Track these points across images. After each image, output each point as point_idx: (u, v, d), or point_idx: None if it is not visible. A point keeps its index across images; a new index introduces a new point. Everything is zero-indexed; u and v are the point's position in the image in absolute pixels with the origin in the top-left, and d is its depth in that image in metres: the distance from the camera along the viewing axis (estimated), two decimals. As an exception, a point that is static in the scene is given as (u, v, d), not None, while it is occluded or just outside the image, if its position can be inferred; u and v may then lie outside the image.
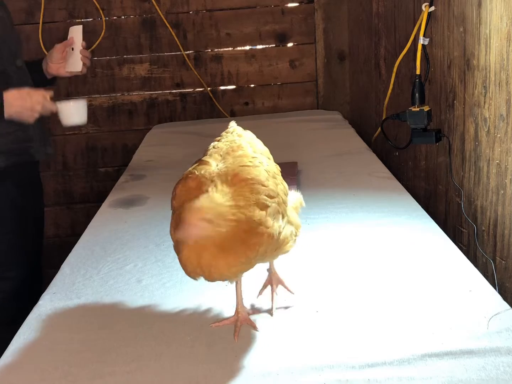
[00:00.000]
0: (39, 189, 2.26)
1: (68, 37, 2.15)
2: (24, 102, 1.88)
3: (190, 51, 3.12)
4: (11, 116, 1.87)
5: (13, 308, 1.94)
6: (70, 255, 1.61)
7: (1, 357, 1.15)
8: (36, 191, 2.24)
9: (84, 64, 2.12)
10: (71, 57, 2.12)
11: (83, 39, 2.14)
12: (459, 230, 1.73)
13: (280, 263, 1.45)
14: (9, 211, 2.04)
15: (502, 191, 1.45)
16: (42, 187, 2.29)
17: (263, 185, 1.10)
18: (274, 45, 3.14)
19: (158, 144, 2.74)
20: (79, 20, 3.05)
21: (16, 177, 2.05)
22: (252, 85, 3.19)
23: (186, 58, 3.11)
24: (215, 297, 1.31)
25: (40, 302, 1.35)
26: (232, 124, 1.33)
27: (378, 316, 1.18)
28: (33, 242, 2.19)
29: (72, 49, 2.13)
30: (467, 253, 1.58)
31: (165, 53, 3.12)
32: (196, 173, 1.12)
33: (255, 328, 1.17)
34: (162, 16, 3.05)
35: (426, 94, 1.84)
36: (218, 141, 1.25)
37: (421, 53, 1.82)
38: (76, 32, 2.15)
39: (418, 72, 1.82)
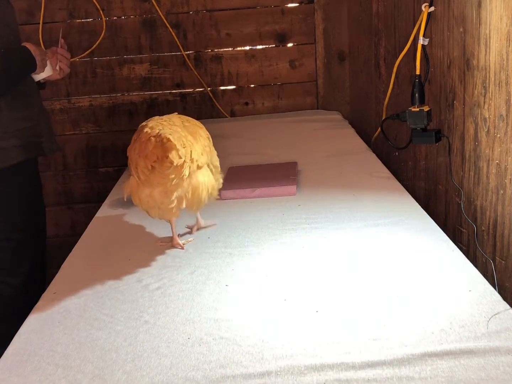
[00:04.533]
0: (40, 186, 2.29)
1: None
2: (40, 52, 2.03)
3: (190, 51, 3.12)
4: (39, 67, 2.02)
5: (24, 303, 1.97)
6: (70, 255, 1.62)
7: (1, 357, 1.15)
8: (39, 187, 2.26)
9: (61, 62, 2.16)
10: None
11: (62, 38, 2.20)
12: (459, 230, 1.73)
13: (281, 264, 1.45)
14: (22, 207, 2.07)
15: (502, 191, 1.46)
16: (41, 184, 2.32)
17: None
18: (274, 45, 3.14)
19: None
20: (79, 20, 3.05)
21: (28, 173, 2.09)
22: (252, 85, 3.19)
23: (186, 58, 3.11)
24: (215, 297, 1.31)
25: (40, 302, 1.36)
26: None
27: (377, 316, 1.18)
28: (40, 237, 2.22)
29: None
30: (467, 253, 1.58)
31: (165, 53, 3.12)
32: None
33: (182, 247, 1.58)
34: (162, 16, 3.05)
35: (426, 94, 1.84)
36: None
37: (421, 53, 1.82)
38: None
39: (418, 72, 1.82)
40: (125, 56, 3.11)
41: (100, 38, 3.04)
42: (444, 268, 1.36)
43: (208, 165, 1.57)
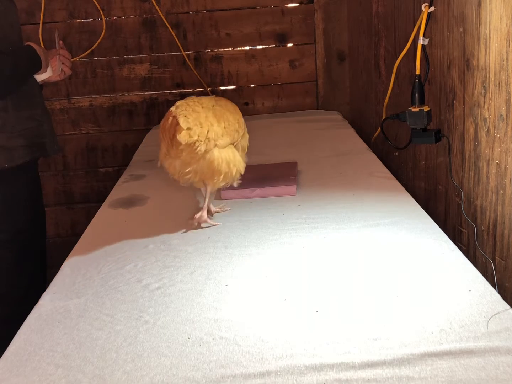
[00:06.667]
0: (40, 186, 2.29)
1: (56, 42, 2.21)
2: (44, 52, 2.02)
3: (190, 51, 3.13)
4: (43, 66, 2.01)
5: (27, 304, 1.96)
6: (70, 255, 1.62)
7: (1, 357, 1.15)
8: (39, 188, 2.27)
9: (63, 64, 2.16)
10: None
11: (60, 39, 2.18)
12: (459, 230, 1.73)
13: (281, 264, 1.45)
14: (26, 208, 2.07)
15: (501, 191, 1.46)
16: (41, 185, 2.32)
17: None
18: (274, 45, 3.15)
19: (158, 144, 2.74)
20: (79, 20, 3.05)
21: (30, 173, 2.09)
22: (252, 85, 3.19)
23: (186, 58, 3.11)
24: (215, 297, 1.31)
25: (40, 302, 1.36)
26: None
27: (377, 316, 1.18)
28: (41, 237, 2.21)
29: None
30: (467, 253, 1.58)
31: (165, 53, 3.12)
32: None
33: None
34: (162, 16, 3.05)
35: (426, 94, 1.84)
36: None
37: (421, 53, 1.82)
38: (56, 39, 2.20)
39: (418, 72, 1.82)
40: (125, 56, 3.11)
41: (100, 38, 3.04)
42: (444, 268, 1.36)
43: (236, 145, 1.73)
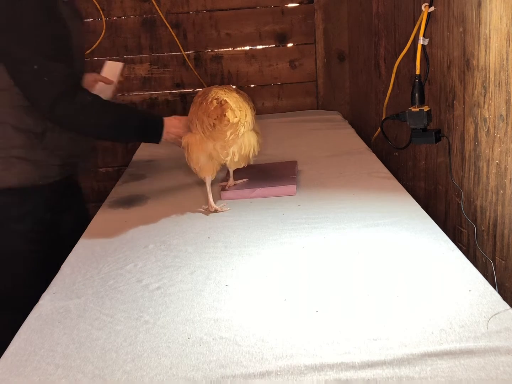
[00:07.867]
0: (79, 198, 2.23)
1: (104, 72, 2.14)
2: (179, 131, 1.92)
3: (190, 51, 3.13)
4: (165, 140, 1.96)
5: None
6: (70, 255, 1.61)
7: (1, 357, 1.15)
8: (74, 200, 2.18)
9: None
10: (102, 90, 2.09)
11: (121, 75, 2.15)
12: (459, 230, 1.73)
13: (281, 264, 1.45)
14: (47, 227, 1.98)
15: (501, 191, 1.46)
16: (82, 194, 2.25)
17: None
18: (274, 45, 3.15)
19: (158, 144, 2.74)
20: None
21: (59, 191, 2.01)
22: (252, 85, 3.19)
23: (186, 58, 3.11)
24: (215, 297, 1.31)
25: (40, 302, 1.36)
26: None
27: (377, 316, 1.18)
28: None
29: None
30: (467, 253, 1.58)
31: (165, 53, 3.12)
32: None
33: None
34: (162, 16, 3.05)
35: (426, 94, 1.84)
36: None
37: (421, 53, 1.82)
38: (113, 69, 2.15)
39: (418, 72, 1.82)
40: (125, 56, 3.11)
41: (100, 38, 3.04)
42: (444, 268, 1.36)
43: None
